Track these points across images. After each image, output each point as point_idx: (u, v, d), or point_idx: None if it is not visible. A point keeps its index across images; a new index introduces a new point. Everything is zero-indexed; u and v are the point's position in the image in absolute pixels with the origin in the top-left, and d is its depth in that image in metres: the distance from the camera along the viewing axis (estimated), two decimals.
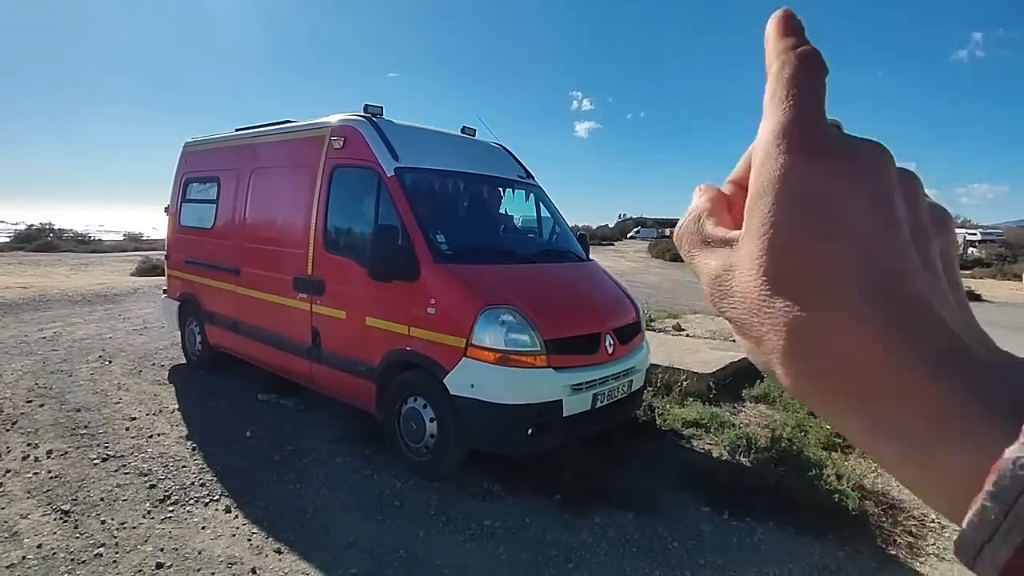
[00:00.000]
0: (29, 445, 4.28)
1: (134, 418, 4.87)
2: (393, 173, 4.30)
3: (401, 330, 4.10)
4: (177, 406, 5.23)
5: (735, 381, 5.72)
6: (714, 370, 5.59)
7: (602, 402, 4.11)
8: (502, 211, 5.22)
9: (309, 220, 4.83)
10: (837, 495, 3.78)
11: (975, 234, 32.94)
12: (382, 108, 4.82)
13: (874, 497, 3.85)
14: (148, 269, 15.53)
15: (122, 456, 4.16)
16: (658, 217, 78.51)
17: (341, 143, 4.67)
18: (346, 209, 4.74)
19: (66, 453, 4.16)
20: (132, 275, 15.40)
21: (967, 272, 18.99)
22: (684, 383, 5.37)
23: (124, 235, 33.87)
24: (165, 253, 7.09)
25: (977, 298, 15.31)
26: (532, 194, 5.38)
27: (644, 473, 4.17)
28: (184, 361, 6.84)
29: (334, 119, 4.86)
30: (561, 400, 3.85)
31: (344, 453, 4.37)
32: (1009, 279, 20.63)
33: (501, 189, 5.21)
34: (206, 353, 6.47)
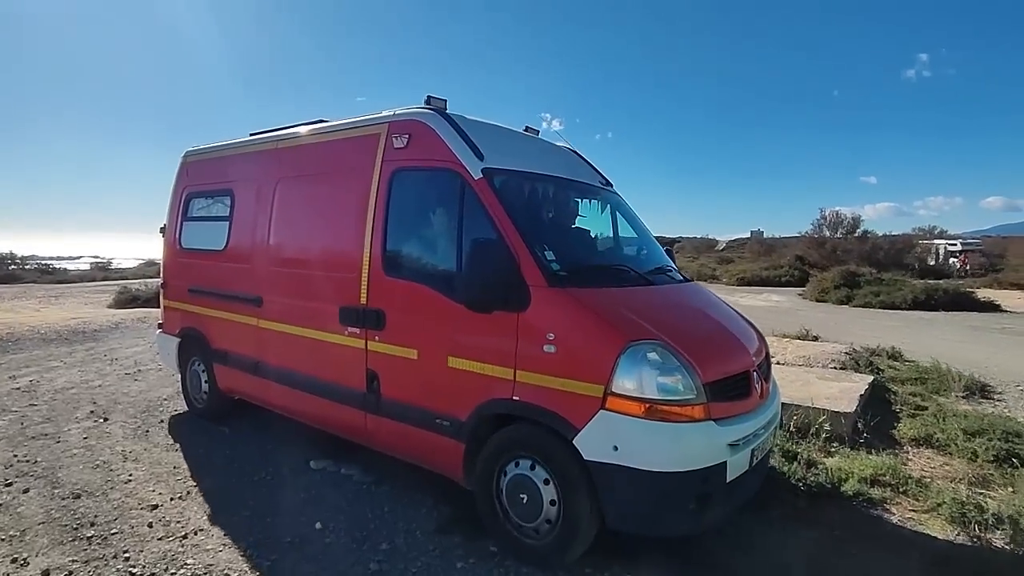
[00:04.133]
0: (15, 562, 3.07)
1: (155, 506, 3.72)
2: (481, 175, 3.42)
3: (503, 374, 3.18)
4: (208, 483, 4.10)
5: (869, 418, 4.91)
6: (854, 407, 4.78)
7: (757, 458, 3.26)
8: (590, 222, 4.36)
9: (361, 237, 3.90)
10: None
11: (955, 244, 33.43)
12: (446, 102, 3.96)
13: None
14: (127, 300, 14.18)
15: None
16: None
17: (404, 141, 3.77)
18: (414, 222, 3.82)
19: (72, 573, 2.98)
20: (110, 307, 13.99)
21: (968, 281, 18.84)
22: (820, 424, 4.54)
23: (91, 264, 32.12)
24: (161, 281, 6.02)
25: (997, 308, 15.02)
26: (612, 203, 4.54)
27: (866, 563, 3.19)
28: (185, 409, 5.76)
29: (390, 113, 3.96)
30: (726, 462, 2.99)
31: (459, 550, 3.27)
32: (1007, 288, 20.57)
33: (588, 198, 4.36)
34: (214, 399, 5.41)
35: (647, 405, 2.80)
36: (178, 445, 4.80)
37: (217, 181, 5.39)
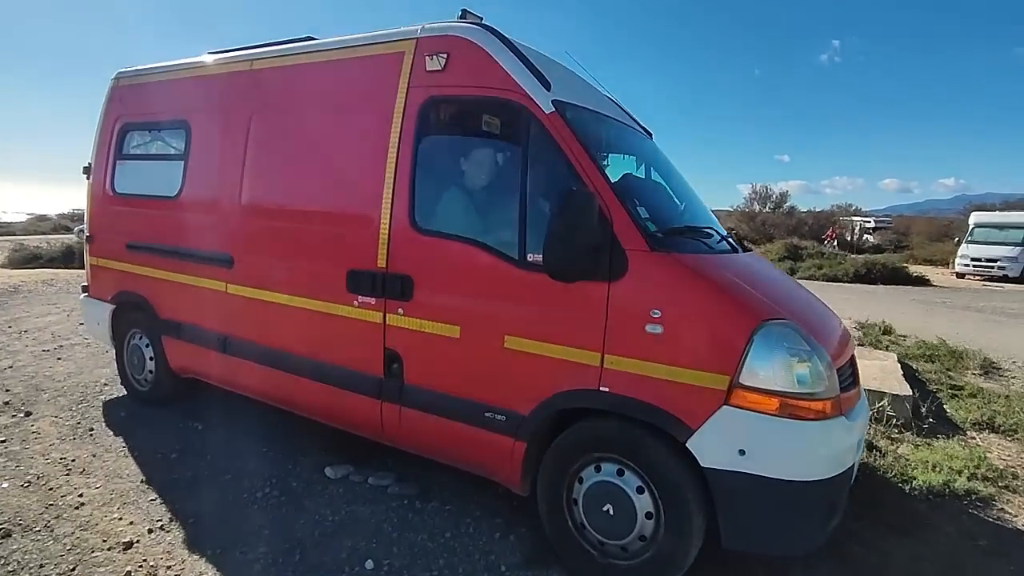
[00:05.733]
0: None
1: (129, 544, 2.73)
2: (553, 109, 2.70)
3: (585, 359, 2.55)
4: (195, 505, 3.11)
5: (930, 401, 4.61)
6: (910, 389, 4.49)
7: (858, 458, 2.85)
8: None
9: (379, 182, 3.09)
10: None
11: (869, 222, 35.65)
12: (482, 19, 3.18)
13: None
14: (26, 259, 12.17)
15: None
16: None
17: (441, 63, 2.96)
18: (456, 164, 3.06)
19: None
20: (3, 267, 11.90)
21: (875, 257, 19.92)
22: (881, 409, 4.22)
23: None
24: (87, 234, 4.84)
25: (928, 282, 15.87)
26: (661, 157, 3.92)
27: None
28: (123, 392, 4.73)
29: (417, 28, 3.12)
30: (854, 464, 2.54)
31: None
32: (921, 264, 21.98)
33: (644, 148, 3.70)
34: (163, 380, 4.44)
35: (782, 399, 2.27)
36: (137, 449, 3.78)
37: (165, 110, 4.29)
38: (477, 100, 2.93)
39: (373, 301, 3.13)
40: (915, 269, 18.57)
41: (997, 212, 24.04)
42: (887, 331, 7.66)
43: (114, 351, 4.78)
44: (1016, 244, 18.71)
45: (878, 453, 3.78)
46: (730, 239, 3.18)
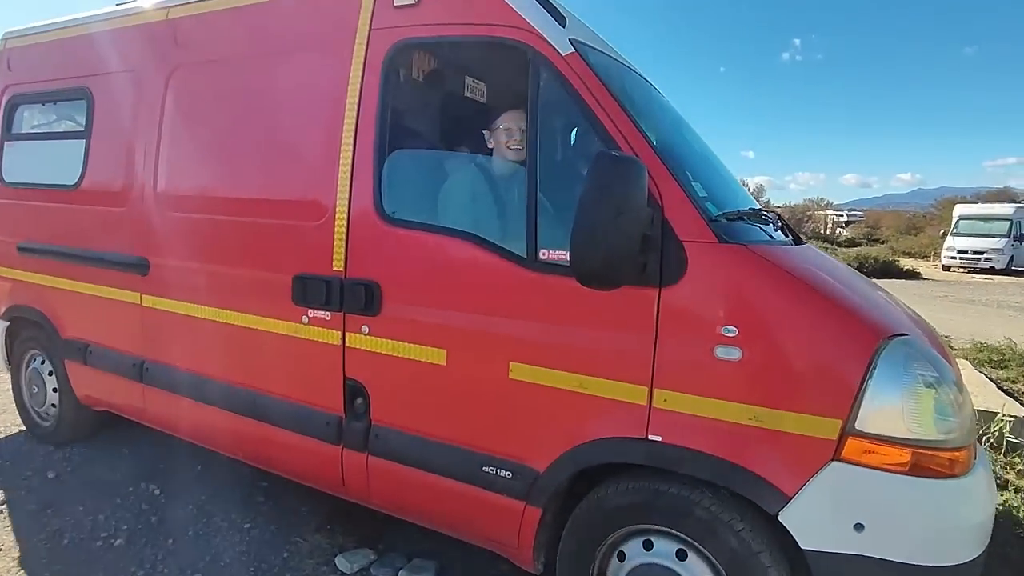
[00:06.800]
0: None
1: None
2: (572, 50, 1.95)
3: (628, 395, 1.82)
4: None
5: None
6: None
7: None
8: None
9: (333, 158, 2.31)
10: None
11: (842, 215, 36.03)
12: None
13: None
14: None
15: None
16: None
17: None
18: (437, 131, 2.31)
19: None
20: None
21: (866, 251, 19.79)
22: (999, 432, 3.52)
23: None
24: None
25: (919, 276, 15.67)
26: (686, 125, 3.20)
27: None
28: (20, 429, 3.82)
29: None
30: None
31: None
32: (899, 256, 21.95)
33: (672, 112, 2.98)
34: (70, 414, 3.56)
35: (915, 450, 1.58)
36: (67, 531, 2.78)
37: (63, 76, 3.39)
38: (465, 42, 2.17)
39: (328, 316, 2.35)
40: (903, 263, 18.44)
41: (980, 204, 24.30)
42: None
43: (9, 379, 3.86)
44: (1001, 236, 18.84)
45: (1003, 490, 3.10)
46: (788, 226, 2.49)
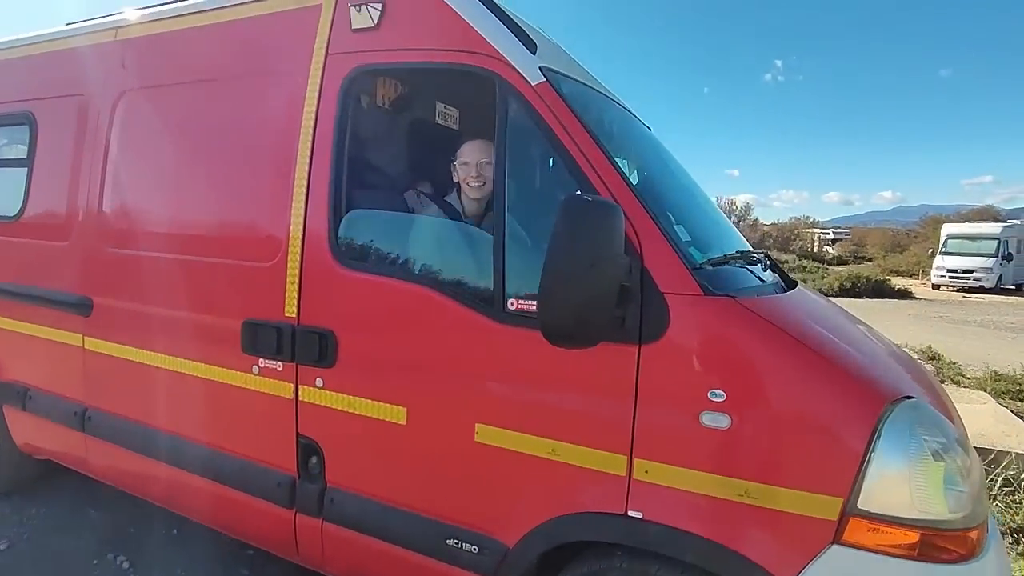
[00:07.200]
0: None
1: None
2: (543, 79, 1.78)
3: (606, 464, 1.62)
4: None
5: None
6: None
7: None
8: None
9: (286, 191, 2.11)
10: None
11: (828, 233, 36.30)
12: None
13: None
14: None
15: None
16: None
17: (375, 16, 2.01)
18: (399, 165, 2.13)
19: None
20: None
21: (858, 270, 19.86)
22: (1006, 472, 3.32)
23: None
24: None
25: (911, 295, 15.67)
26: (667, 155, 3.04)
27: None
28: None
29: None
30: None
31: None
32: (890, 276, 22.01)
33: (653, 142, 2.81)
34: (9, 463, 3.28)
35: (924, 531, 1.39)
36: None
37: (4, 100, 3.17)
38: (428, 69, 2.00)
39: (280, 367, 2.13)
40: (894, 282, 18.47)
41: (968, 223, 24.51)
42: (933, 357, 6.81)
43: None
44: (990, 255, 18.96)
45: None
46: (777, 266, 2.32)
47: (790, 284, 2.17)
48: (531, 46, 1.85)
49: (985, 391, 5.35)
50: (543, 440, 1.70)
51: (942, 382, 5.37)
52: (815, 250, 31.62)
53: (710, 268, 1.70)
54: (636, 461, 1.59)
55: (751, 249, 2.24)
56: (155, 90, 2.61)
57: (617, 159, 1.73)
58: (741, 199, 36.11)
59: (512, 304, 1.71)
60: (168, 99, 2.57)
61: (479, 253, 1.83)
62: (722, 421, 1.49)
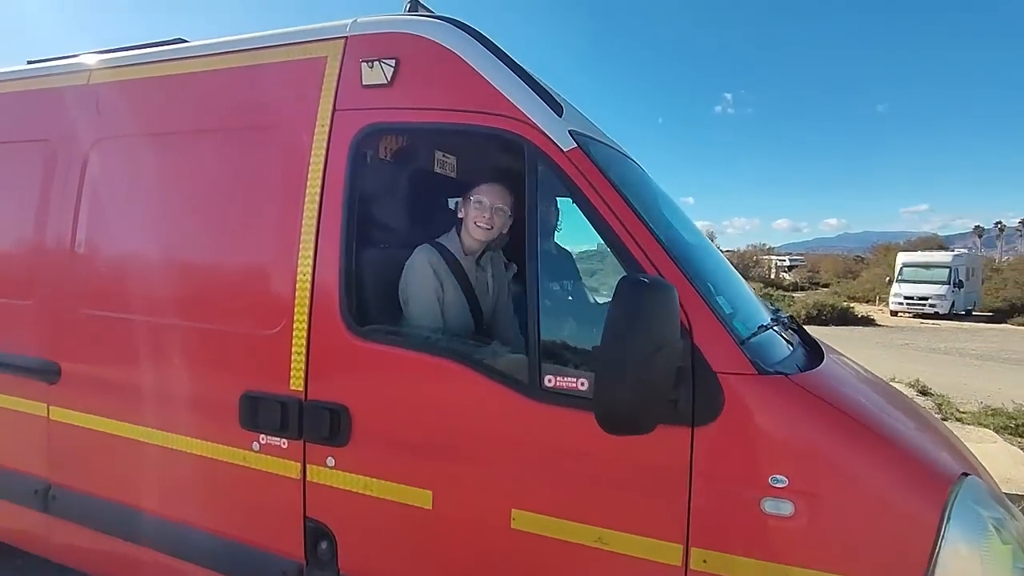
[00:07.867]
0: None
1: None
2: (574, 144, 1.71)
3: (658, 554, 1.51)
4: None
5: None
6: None
7: None
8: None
9: (291, 253, 1.96)
10: None
11: (784, 260, 37.56)
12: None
13: None
14: None
15: None
16: None
17: (388, 73, 1.91)
18: (419, 234, 2.00)
19: None
20: None
21: (822, 298, 20.48)
22: None
23: None
24: None
25: (873, 322, 16.20)
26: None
27: None
28: None
29: (346, 22, 2.06)
30: None
31: None
32: (846, 301, 22.82)
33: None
34: None
35: None
36: None
37: None
38: (449, 131, 1.91)
39: (284, 444, 1.95)
40: (857, 309, 19.09)
41: (920, 252, 25.73)
42: (924, 392, 6.76)
43: None
44: (943, 282, 19.93)
45: None
46: (801, 327, 2.28)
47: (813, 345, 2.13)
48: (558, 109, 1.78)
49: (987, 427, 5.37)
50: (588, 527, 1.58)
51: (944, 419, 5.44)
52: (773, 277, 32.65)
53: (754, 342, 1.64)
54: (693, 550, 1.48)
55: (773, 308, 2.20)
56: (137, 139, 2.42)
57: (658, 231, 1.66)
58: (700, 227, 37.26)
59: (550, 381, 1.61)
60: (151, 150, 2.38)
61: (511, 324, 1.73)
62: (785, 508, 1.41)
